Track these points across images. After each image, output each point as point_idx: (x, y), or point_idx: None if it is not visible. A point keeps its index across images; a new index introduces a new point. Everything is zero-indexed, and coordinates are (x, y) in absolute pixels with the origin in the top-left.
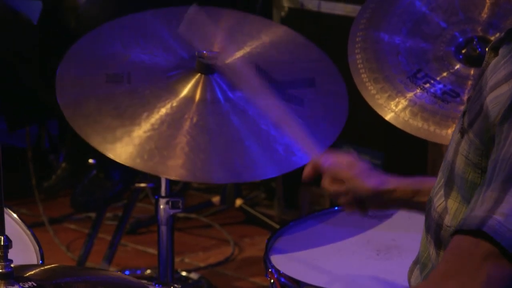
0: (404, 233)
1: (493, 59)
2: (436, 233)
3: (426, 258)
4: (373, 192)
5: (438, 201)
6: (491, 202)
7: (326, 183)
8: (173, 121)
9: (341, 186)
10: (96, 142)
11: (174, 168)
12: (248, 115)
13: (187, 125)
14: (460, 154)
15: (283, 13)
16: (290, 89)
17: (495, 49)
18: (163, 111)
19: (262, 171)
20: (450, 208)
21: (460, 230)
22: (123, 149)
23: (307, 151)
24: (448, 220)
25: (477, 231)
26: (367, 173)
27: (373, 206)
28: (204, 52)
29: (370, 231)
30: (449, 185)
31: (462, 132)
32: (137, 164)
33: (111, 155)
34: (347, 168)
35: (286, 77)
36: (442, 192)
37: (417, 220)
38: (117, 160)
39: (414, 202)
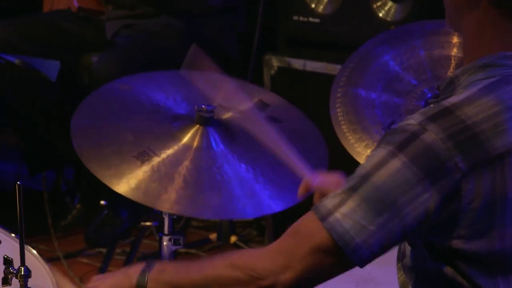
0: (379, 267)
1: None
2: (402, 261)
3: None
4: None
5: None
6: (338, 201)
7: (315, 200)
8: (171, 164)
9: None
10: (105, 179)
11: (169, 202)
12: (236, 163)
13: (183, 167)
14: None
15: (272, 72)
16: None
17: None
18: (164, 155)
19: (242, 212)
20: None
21: (314, 209)
22: (127, 185)
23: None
24: (407, 249)
25: (321, 218)
26: None
27: None
28: (203, 106)
29: None
30: (347, 179)
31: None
32: (139, 198)
33: (118, 190)
34: (335, 186)
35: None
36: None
37: (390, 254)
38: (121, 193)
39: None
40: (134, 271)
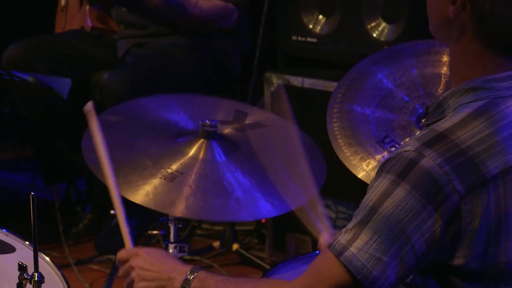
0: None
1: None
2: None
3: None
4: None
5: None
6: (351, 236)
7: None
8: (180, 175)
9: None
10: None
11: (180, 208)
12: (237, 172)
13: (191, 177)
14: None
15: (272, 88)
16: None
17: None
18: (173, 167)
19: (242, 215)
20: None
21: (329, 247)
22: (140, 194)
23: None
24: None
25: (338, 255)
26: None
27: None
28: (207, 121)
29: None
30: (354, 213)
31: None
32: (151, 205)
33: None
34: None
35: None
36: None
37: None
38: (135, 201)
39: None
40: (178, 274)
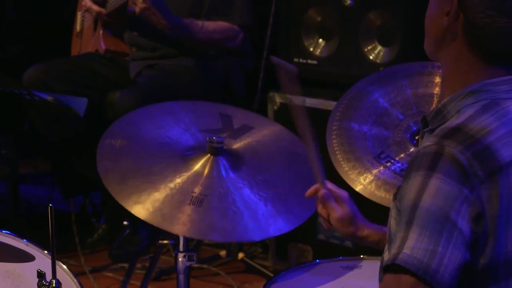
0: (371, 280)
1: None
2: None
3: None
4: (351, 236)
5: (385, 253)
6: (399, 241)
7: (318, 207)
8: (183, 190)
9: (326, 213)
10: (124, 203)
11: (182, 226)
12: (243, 189)
13: (195, 193)
14: (392, 217)
15: (275, 107)
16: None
17: (422, 138)
18: (178, 181)
19: (248, 235)
20: None
21: (384, 269)
22: (145, 208)
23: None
24: None
25: (392, 265)
26: (348, 220)
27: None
28: (214, 138)
29: (343, 279)
30: (389, 241)
31: (393, 200)
32: (156, 222)
33: (137, 214)
34: (340, 198)
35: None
36: (386, 246)
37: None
38: (139, 216)
39: (379, 247)
40: None
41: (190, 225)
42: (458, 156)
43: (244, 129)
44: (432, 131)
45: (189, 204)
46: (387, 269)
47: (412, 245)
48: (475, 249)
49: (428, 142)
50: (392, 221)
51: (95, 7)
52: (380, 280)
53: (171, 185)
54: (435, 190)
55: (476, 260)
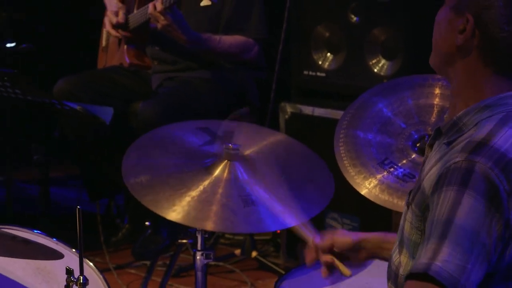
0: (375, 278)
1: (429, 153)
2: (395, 281)
3: None
4: (352, 243)
5: (395, 257)
6: (431, 252)
7: (322, 258)
8: (208, 193)
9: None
10: (153, 206)
11: (210, 223)
12: (258, 189)
13: (218, 195)
14: (407, 221)
15: (286, 116)
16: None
17: (430, 146)
18: (201, 187)
19: (264, 227)
20: (402, 261)
21: (409, 275)
22: (174, 211)
23: (297, 216)
24: (402, 271)
25: (424, 274)
26: (346, 234)
27: (353, 259)
28: (230, 145)
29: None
30: (401, 244)
31: (408, 205)
32: (186, 222)
33: (173, 219)
34: (341, 242)
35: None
36: (397, 249)
37: (385, 268)
38: (175, 221)
39: (381, 250)
40: None
41: (219, 222)
42: (489, 173)
43: (253, 139)
44: (449, 143)
45: (213, 203)
46: (413, 276)
47: (445, 258)
48: (497, 256)
49: (458, 157)
50: (407, 225)
51: (113, 32)
52: (391, 280)
53: (198, 190)
54: (468, 207)
55: (496, 265)
